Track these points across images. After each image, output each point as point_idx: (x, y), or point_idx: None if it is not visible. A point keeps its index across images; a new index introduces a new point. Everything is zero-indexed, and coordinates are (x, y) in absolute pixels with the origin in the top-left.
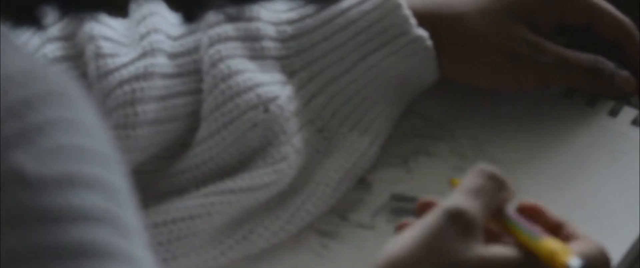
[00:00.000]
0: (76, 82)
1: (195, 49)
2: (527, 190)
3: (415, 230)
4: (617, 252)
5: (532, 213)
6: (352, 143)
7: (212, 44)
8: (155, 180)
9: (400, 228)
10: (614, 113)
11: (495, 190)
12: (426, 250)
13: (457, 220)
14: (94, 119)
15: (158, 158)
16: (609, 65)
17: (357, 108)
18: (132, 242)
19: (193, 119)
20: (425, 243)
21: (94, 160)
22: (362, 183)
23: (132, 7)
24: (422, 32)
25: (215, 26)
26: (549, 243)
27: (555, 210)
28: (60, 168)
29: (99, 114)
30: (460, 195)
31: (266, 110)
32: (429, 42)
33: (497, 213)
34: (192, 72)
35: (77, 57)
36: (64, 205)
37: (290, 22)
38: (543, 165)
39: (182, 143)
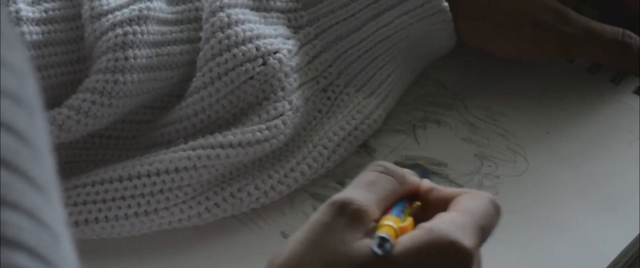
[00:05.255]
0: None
1: None
2: (540, 167)
3: (301, 231)
4: (626, 237)
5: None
6: (357, 105)
7: None
8: (146, 131)
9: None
10: (639, 92)
11: (391, 183)
12: (312, 248)
13: (343, 211)
14: (23, 64)
15: (151, 107)
16: (638, 40)
17: (365, 69)
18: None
19: (189, 69)
20: (310, 241)
21: (12, 101)
22: (365, 148)
23: None
24: None
25: None
26: (383, 221)
27: (568, 189)
28: None
29: (27, 61)
30: (350, 188)
31: (264, 63)
32: (445, 4)
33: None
34: (193, 19)
35: None
36: None
37: None
38: (559, 142)
39: (177, 93)
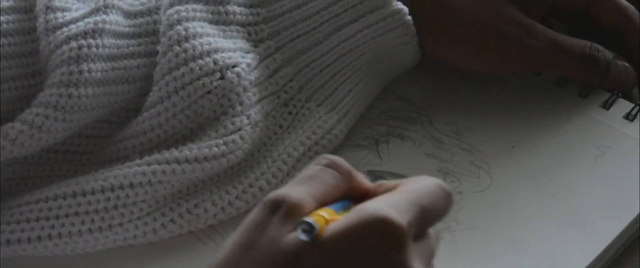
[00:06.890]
0: None
1: (157, 9)
2: (504, 182)
3: (235, 232)
4: (590, 254)
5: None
6: (318, 120)
7: (172, 4)
8: (102, 146)
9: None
10: (606, 106)
11: (334, 178)
12: (244, 249)
13: (277, 208)
14: None
15: (108, 122)
16: (606, 54)
17: (326, 83)
18: None
19: (146, 83)
20: (243, 242)
21: None
22: None
23: None
24: (402, 6)
25: None
26: (316, 211)
27: (532, 205)
28: None
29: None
30: (289, 184)
31: (222, 77)
32: (409, 17)
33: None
34: (150, 33)
35: (28, 10)
36: None
37: None
38: (524, 157)
39: (134, 108)
